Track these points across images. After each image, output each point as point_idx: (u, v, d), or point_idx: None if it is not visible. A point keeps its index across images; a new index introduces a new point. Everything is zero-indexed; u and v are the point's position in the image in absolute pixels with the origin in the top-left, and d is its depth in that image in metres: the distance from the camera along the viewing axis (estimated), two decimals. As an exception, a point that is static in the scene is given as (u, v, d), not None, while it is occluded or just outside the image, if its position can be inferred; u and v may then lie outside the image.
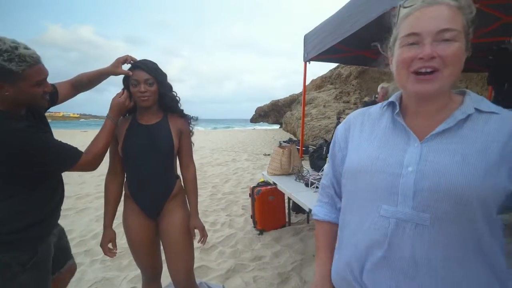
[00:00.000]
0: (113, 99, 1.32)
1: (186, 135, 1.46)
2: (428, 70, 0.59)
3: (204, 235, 1.50)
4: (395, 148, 0.66)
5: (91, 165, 1.23)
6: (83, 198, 4.25)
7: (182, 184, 1.52)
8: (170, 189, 1.43)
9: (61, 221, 1.39)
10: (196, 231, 1.49)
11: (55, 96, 1.31)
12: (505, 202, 0.58)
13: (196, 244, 1.51)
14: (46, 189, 1.19)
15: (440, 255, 0.57)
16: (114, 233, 1.44)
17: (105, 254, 1.41)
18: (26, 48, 1.02)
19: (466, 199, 0.55)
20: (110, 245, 1.43)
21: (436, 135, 0.61)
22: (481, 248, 0.57)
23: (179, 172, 1.52)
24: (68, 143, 1.18)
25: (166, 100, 1.41)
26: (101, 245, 1.42)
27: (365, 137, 0.73)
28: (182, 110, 1.49)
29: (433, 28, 0.57)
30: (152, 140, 1.35)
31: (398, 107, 0.69)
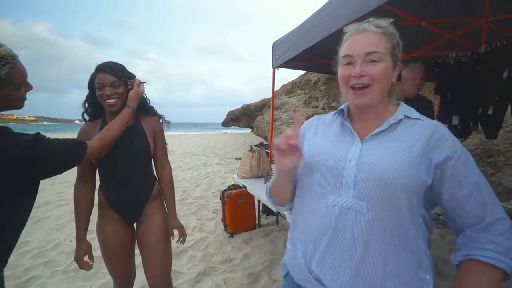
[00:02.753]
0: (132, 92, 1.32)
1: (160, 134, 1.45)
2: (360, 86, 0.73)
3: (183, 234, 1.50)
4: (341, 146, 0.78)
5: (100, 152, 1.15)
6: (42, 207, 3.98)
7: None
8: (149, 192, 1.41)
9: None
10: (175, 231, 1.49)
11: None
12: (429, 196, 0.71)
13: (174, 244, 1.50)
14: (29, 208, 1.03)
15: (373, 238, 0.68)
16: (90, 245, 1.37)
17: (81, 267, 1.34)
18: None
19: (394, 186, 0.67)
20: (85, 258, 1.36)
21: (373, 136, 0.75)
22: (405, 233, 0.68)
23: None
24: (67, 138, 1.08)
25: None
26: (76, 259, 1.34)
27: (318, 138, 0.85)
28: (153, 108, 1.49)
29: (361, 51, 0.72)
30: (128, 145, 1.32)
31: (346, 114, 0.83)
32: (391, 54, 0.74)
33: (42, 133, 1.00)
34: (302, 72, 15.31)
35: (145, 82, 1.39)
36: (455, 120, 2.63)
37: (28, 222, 3.29)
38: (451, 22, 2.57)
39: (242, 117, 23.43)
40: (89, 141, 1.12)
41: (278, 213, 2.09)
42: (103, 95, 1.26)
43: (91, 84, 1.31)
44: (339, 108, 0.86)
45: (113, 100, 1.28)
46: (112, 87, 1.27)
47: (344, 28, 0.79)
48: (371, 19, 0.76)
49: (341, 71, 0.77)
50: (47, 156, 0.94)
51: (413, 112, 0.77)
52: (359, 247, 0.69)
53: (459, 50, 2.60)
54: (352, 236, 0.69)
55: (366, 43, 0.72)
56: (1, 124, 0.90)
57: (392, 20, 0.75)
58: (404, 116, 0.75)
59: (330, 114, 0.90)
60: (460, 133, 2.66)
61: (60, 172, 1.02)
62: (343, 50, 0.77)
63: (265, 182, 2.69)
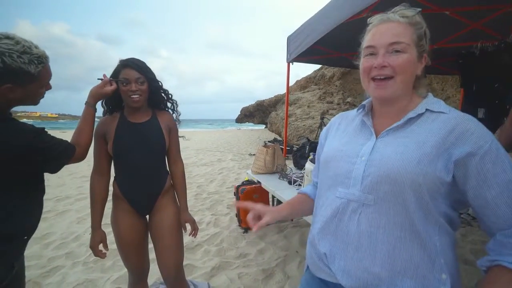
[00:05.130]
0: (93, 87, 1.30)
1: (174, 131, 1.49)
2: (382, 77, 0.70)
3: (195, 228, 1.54)
4: (357, 142, 0.78)
5: (82, 158, 1.19)
6: (63, 200, 4.12)
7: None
8: (162, 185, 1.45)
9: (39, 224, 1.33)
10: (187, 225, 1.52)
11: None
12: (454, 194, 0.66)
13: (186, 238, 1.53)
14: (39, 196, 1.10)
15: (380, 231, 0.67)
16: (105, 234, 1.42)
17: (96, 255, 1.38)
18: (36, 46, 0.96)
19: (401, 182, 0.65)
20: (100, 246, 1.40)
21: (389, 131, 0.72)
22: (415, 228, 0.65)
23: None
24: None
25: (157, 97, 1.43)
26: (91, 247, 1.38)
27: (339, 134, 0.86)
28: (171, 107, 1.52)
29: (384, 42, 0.70)
30: (145, 139, 1.36)
31: (366, 109, 0.81)
32: (417, 44, 0.70)
33: (65, 130, 1.03)
34: (316, 67, 15.09)
35: (116, 83, 1.33)
36: (481, 113, 2.51)
37: (50, 214, 3.43)
38: (477, 9, 2.42)
39: (256, 113, 23.42)
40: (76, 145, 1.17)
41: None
42: (129, 90, 1.29)
43: (115, 78, 1.33)
44: (361, 103, 0.85)
45: (137, 96, 1.31)
46: (138, 83, 1.30)
47: (368, 20, 0.77)
48: (396, 8, 0.72)
49: (363, 62, 0.75)
50: (49, 149, 1.02)
51: (438, 105, 0.72)
52: (364, 238, 0.69)
53: (485, 39, 2.46)
54: (357, 227, 0.70)
55: (390, 33, 0.70)
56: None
57: (419, 9, 0.72)
58: (427, 109, 0.72)
59: (354, 110, 0.89)
60: (486, 127, 2.53)
61: (52, 169, 1.08)
62: (365, 41, 0.75)
63: (279, 178, 2.66)
